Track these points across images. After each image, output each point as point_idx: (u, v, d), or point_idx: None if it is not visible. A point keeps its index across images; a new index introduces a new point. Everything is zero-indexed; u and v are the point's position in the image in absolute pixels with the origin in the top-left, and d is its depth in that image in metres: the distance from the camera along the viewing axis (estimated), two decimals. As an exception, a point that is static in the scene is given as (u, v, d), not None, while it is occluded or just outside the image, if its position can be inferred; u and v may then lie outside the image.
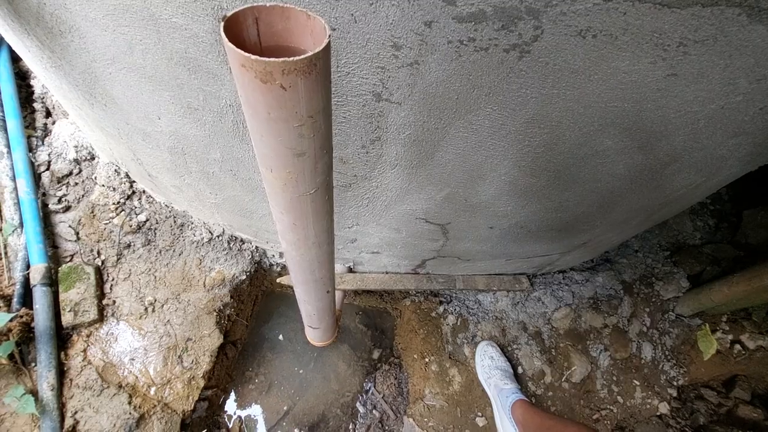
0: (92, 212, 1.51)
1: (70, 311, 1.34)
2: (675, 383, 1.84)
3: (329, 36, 0.38)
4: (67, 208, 1.53)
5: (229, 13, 0.38)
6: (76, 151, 1.60)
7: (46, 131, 1.68)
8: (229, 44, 0.36)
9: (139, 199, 1.53)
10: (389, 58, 0.63)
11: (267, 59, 0.35)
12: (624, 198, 1.09)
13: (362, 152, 0.86)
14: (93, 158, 1.60)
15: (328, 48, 0.39)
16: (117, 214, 1.50)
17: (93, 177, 1.55)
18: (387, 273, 1.55)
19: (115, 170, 1.51)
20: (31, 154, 1.56)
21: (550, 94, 0.68)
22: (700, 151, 0.85)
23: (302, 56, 0.35)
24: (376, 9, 0.56)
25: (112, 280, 1.44)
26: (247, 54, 0.35)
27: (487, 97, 0.69)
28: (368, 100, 0.72)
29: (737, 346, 1.89)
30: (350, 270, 1.53)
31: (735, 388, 1.82)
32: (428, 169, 0.90)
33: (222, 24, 0.37)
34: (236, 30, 0.41)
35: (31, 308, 1.34)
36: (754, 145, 0.86)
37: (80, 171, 1.60)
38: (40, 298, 1.32)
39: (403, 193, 1.00)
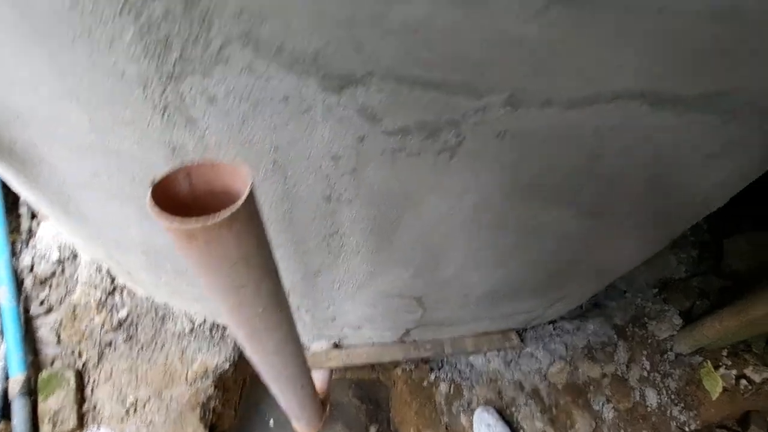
0: (74, 312, 1.50)
1: (49, 422, 1.30)
2: (687, 428, 1.77)
3: (251, 187, 0.42)
4: (49, 310, 1.53)
5: (157, 179, 0.42)
6: (59, 251, 1.62)
7: (31, 233, 1.72)
8: (154, 209, 0.39)
9: (121, 294, 1.53)
10: (331, 168, 0.68)
11: (187, 226, 0.38)
12: (589, 254, 1.11)
13: (323, 245, 0.89)
14: (76, 256, 1.63)
15: (250, 198, 0.42)
16: (98, 312, 1.50)
17: (75, 276, 1.57)
18: (373, 345, 1.53)
19: (97, 268, 1.53)
20: (14, 259, 1.59)
21: (487, 183, 0.72)
22: (643, 214, 0.90)
23: (220, 218, 0.39)
24: (312, 131, 0.62)
25: (93, 382, 1.41)
26: (168, 221, 0.38)
27: (429, 192, 0.73)
28: (320, 202, 0.76)
29: (743, 381, 1.84)
30: (336, 345, 1.51)
31: (750, 425, 1.75)
32: (390, 253, 0.93)
33: (150, 189, 0.41)
34: (168, 183, 0.45)
35: (10, 421, 1.30)
36: (694, 204, 0.90)
37: (63, 270, 1.62)
38: (19, 410, 1.29)
39: (371, 276, 1.02)
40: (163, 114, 0.61)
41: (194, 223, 0.38)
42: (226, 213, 0.40)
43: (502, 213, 0.82)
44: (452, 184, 0.72)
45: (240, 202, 0.41)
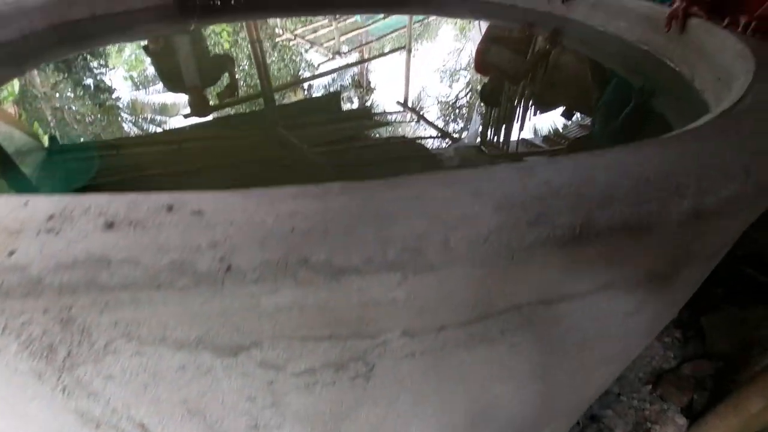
0: None
1: None
2: None
3: None
4: None
5: None
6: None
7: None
8: None
9: None
10: (249, 406, 0.66)
11: None
12: (559, 393, 1.07)
13: (266, 460, 0.83)
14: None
15: None
16: None
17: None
18: None
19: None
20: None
21: (414, 387, 0.71)
22: (587, 364, 0.88)
23: None
24: (217, 386, 0.61)
25: None
26: None
27: (357, 406, 0.71)
28: (248, 430, 0.72)
29: (773, 482, 1.67)
30: None
31: None
32: (341, 452, 0.87)
33: None
34: None
35: None
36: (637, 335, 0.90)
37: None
38: None
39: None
40: (63, 392, 0.60)
41: None
42: None
43: (446, 399, 0.80)
44: (377, 397, 0.70)
45: None
